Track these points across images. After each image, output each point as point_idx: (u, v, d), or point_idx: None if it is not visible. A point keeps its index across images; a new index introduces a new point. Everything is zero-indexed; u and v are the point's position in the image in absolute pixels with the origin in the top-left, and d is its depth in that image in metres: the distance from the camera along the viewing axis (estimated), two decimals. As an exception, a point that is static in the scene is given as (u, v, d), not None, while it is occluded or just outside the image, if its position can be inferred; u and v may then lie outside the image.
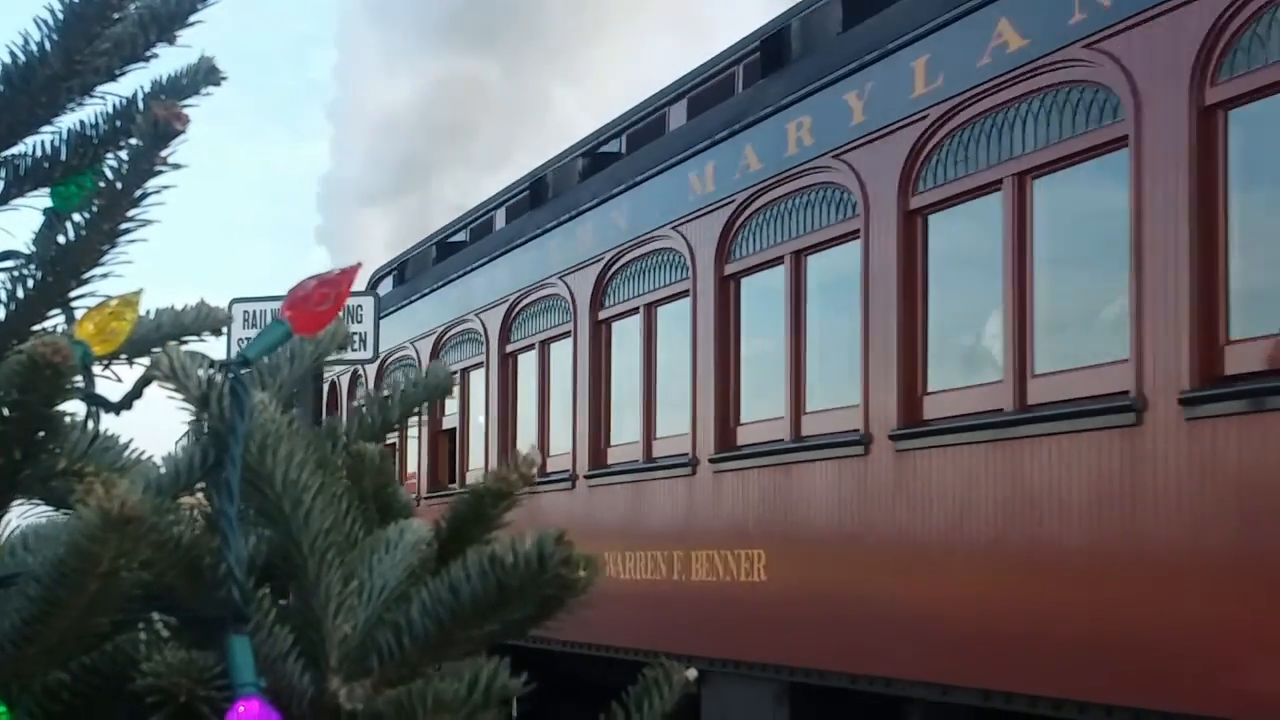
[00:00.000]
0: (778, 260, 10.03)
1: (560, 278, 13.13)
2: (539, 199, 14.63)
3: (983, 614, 7.90)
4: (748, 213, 10.39)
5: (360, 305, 9.68)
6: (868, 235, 9.01)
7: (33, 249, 1.48)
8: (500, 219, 15.72)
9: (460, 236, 17.20)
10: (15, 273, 1.42)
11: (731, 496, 10.36)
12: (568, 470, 12.72)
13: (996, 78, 7.97)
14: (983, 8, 8.14)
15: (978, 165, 8.19)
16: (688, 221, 11.09)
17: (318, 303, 1.31)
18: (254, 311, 10.21)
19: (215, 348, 1.61)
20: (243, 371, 1.29)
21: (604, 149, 13.47)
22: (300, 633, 1.26)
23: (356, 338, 9.32)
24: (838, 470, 9.19)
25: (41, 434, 1.35)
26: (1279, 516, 6.25)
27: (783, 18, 10.81)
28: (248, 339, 1.39)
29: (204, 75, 1.53)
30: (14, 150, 1.47)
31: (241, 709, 1.15)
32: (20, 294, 1.40)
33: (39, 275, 1.40)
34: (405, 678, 1.27)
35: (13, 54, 1.41)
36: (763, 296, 10.32)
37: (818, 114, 9.66)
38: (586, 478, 12.41)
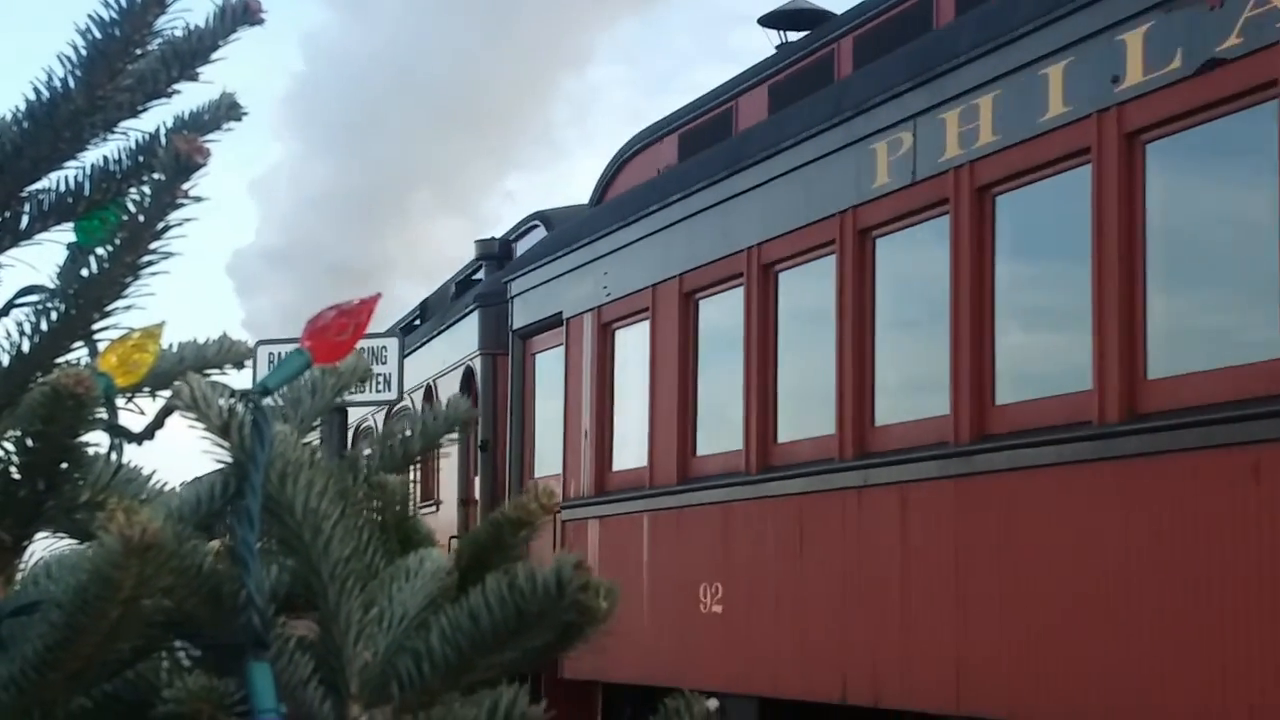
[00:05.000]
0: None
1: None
2: (424, 317, 18.13)
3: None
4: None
5: (384, 346, 9.67)
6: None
7: (56, 283, 1.50)
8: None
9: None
10: (39, 306, 1.43)
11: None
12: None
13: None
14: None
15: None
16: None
17: (337, 333, 1.32)
18: (279, 354, 10.24)
19: (238, 382, 1.63)
20: (263, 401, 1.30)
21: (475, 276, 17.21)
22: (320, 660, 1.27)
23: (380, 379, 9.31)
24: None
25: (65, 465, 1.36)
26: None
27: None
28: None
29: (225, 110, 1.54)
30: (38, 185, 1.49)
31: (262, 735, 1.16)
32: (44, 326, 1.41)
33: (62, 308, 1.41)
34: (426, 705, 1.27)
35: (37, 90, 1.43)
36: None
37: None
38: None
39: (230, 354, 1.68)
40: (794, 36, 12.20)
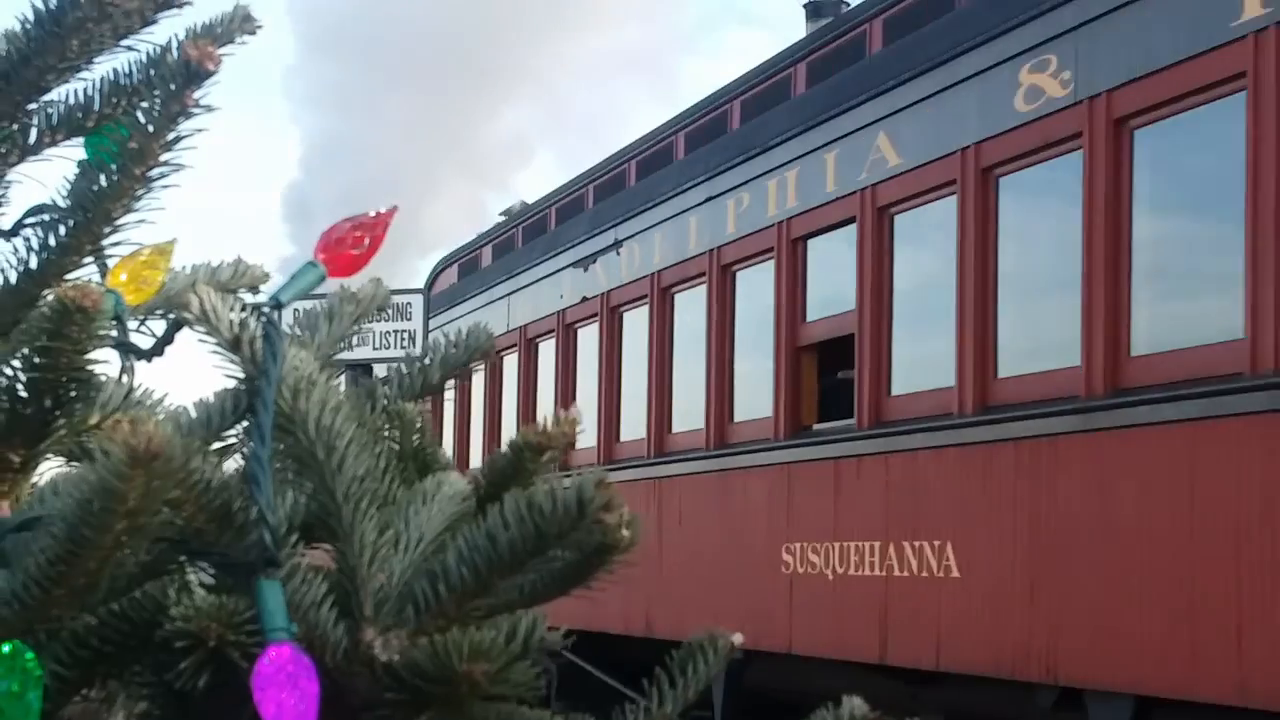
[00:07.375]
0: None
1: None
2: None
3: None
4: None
5: (409, 303, 9.60)
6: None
7: (65, 200, 1.46)
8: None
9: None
10: (48, 221, 1.39)
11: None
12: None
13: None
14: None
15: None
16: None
17: (352, 245, 1.28)
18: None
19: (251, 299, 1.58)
20: (275, 315, 1.25)
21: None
22: (334, 581, 1.23)
23: (405, 335, 9.27)
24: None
25: (72, 383, 1.32)
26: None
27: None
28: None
29: (239, 23, 1.50)
30: (46, 98, 1.44)
31: (272, 655, 1.12)
32: (52, 242, 1.37)
33: (70, 223, 1.37)
34: (442, 628, 1.23)
35: (44, -5, 1.38)
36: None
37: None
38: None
39: (245, 277, 1.64)
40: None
